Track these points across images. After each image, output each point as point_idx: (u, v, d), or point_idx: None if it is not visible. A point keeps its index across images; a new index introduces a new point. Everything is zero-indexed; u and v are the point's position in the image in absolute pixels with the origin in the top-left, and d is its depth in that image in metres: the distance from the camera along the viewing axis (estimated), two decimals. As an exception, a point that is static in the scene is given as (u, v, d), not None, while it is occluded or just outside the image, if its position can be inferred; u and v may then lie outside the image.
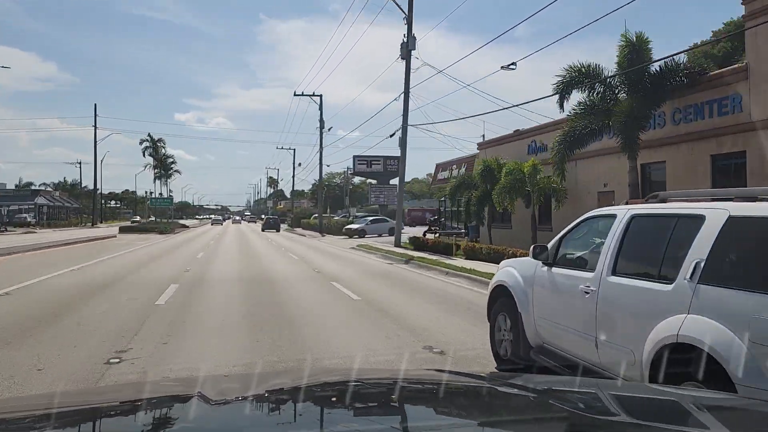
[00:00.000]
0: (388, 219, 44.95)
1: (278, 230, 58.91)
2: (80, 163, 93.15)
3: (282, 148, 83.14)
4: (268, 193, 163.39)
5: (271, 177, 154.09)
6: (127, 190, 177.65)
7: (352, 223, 44.59)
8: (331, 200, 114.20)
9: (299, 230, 63.61)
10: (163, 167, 62.56)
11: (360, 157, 51.29)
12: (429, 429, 1.62)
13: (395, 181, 54.87)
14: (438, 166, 37.67)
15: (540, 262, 5.81)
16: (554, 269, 5.59)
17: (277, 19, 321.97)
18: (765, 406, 2.13)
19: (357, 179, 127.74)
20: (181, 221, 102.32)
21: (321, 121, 54.36)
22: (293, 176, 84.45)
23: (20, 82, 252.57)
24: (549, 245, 5.75)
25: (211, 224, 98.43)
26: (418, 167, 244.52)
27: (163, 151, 61.75)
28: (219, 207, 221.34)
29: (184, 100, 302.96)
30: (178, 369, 6.32)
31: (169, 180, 65.10)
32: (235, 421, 1.68)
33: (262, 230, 58.83)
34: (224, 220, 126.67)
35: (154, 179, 63.69)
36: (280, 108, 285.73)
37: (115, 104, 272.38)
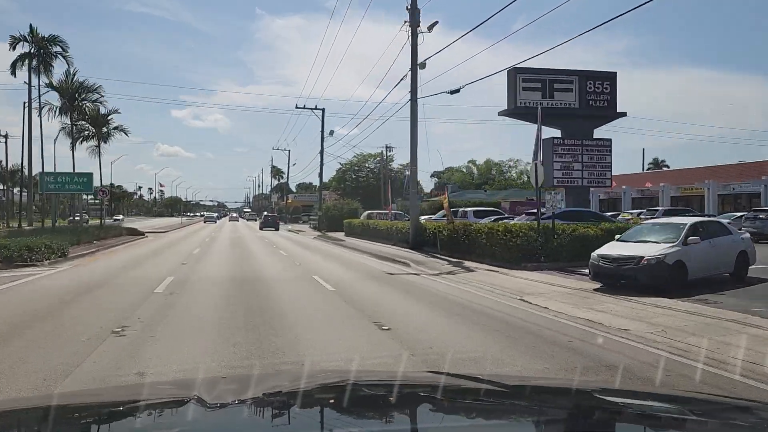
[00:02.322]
0: (728, 227, 14.22)
1: (277, 229, 54.50)
2: (6, 136, 61.84)
3: (304, 107, 53.05)
4: (273, 184, 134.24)
5: (274, 167, 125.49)
6: (113, 185, 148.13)
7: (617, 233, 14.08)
8: (363, 191, 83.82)
9: (352, 240, 33.48)
10: (84, 115, 31.35)
11: (528, 73, 21.14)
12: (427, 430, 1.64)
13: (604, 131, 22.23)
14: None
15: None
16: None
17: (273, 15, 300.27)
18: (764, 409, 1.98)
19: (397, 162, 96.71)
20: (146, 221, 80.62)
21: (413, 8, 24.78)
22: (321, 152, 54.05)
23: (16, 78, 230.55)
24: None
25: (204, 222, 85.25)
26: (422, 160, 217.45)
27: (72, 74, 30.90)
28: (215, 203, 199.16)
29: (181, 97, 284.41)
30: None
31: (105, 144, 33.92)
32: (233, 424, 1.64)
33: (260, 228, 55.30)
34: (220, 217, 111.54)
35: (72, 142, 32.23)
36: (278, 106, 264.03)
37: (111, 101, 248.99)
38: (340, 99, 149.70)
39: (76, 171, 27.99)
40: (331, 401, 1.85)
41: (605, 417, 1.78)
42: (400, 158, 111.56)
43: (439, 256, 21.71)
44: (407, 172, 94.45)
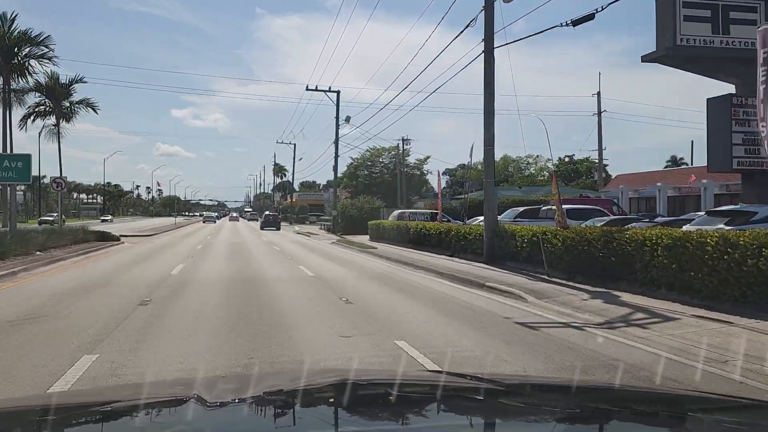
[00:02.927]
0: None
1: (278, 228, 52.76)
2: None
3: (316, 89, 45.48)
4: (275, 182, 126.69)
5: (277, 164, 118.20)
6: (110, 183, 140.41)
7: None
8: (377, 189, 75.76)
9: (385, 247, 25.79)
10: (39, 85, 23.18)
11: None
12: (428, 429, 1.60)
13: None
14: None
15: None
16: None
17: (273, 14, 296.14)
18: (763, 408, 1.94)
19: (413, 157, 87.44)
20: (140, 221, 77.34)
21: None
22: (336, 141, 46.17)
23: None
24: None
25: (203, 222, 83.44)
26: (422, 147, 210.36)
27: (8, 18, 23.03)
28: (215, 203, 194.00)
29: (181, 97, 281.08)
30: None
31: (67, 122, 25.95)
32: (233, 424, 1.62)
33: (261, 228, 53.89)
34: (220, 217, 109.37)
35: (7, 111, 23.94)
36: (279, 104, 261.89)
37: (111, 100, 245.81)
38: (343, 99, 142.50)
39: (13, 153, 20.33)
40: (331, 400, 1.81)
41: (606, 416, 1.72)
42: (417, 151, 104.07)
43: (547, 278, 13.98)
44: (425, 167, 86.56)
